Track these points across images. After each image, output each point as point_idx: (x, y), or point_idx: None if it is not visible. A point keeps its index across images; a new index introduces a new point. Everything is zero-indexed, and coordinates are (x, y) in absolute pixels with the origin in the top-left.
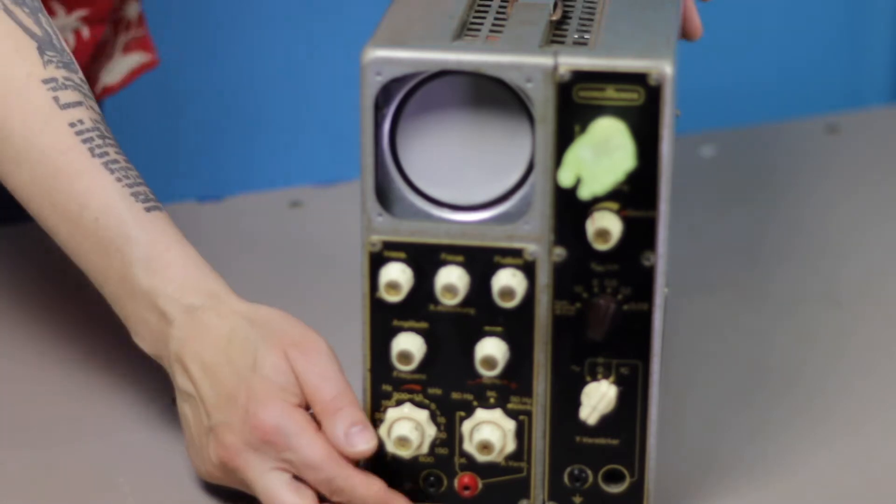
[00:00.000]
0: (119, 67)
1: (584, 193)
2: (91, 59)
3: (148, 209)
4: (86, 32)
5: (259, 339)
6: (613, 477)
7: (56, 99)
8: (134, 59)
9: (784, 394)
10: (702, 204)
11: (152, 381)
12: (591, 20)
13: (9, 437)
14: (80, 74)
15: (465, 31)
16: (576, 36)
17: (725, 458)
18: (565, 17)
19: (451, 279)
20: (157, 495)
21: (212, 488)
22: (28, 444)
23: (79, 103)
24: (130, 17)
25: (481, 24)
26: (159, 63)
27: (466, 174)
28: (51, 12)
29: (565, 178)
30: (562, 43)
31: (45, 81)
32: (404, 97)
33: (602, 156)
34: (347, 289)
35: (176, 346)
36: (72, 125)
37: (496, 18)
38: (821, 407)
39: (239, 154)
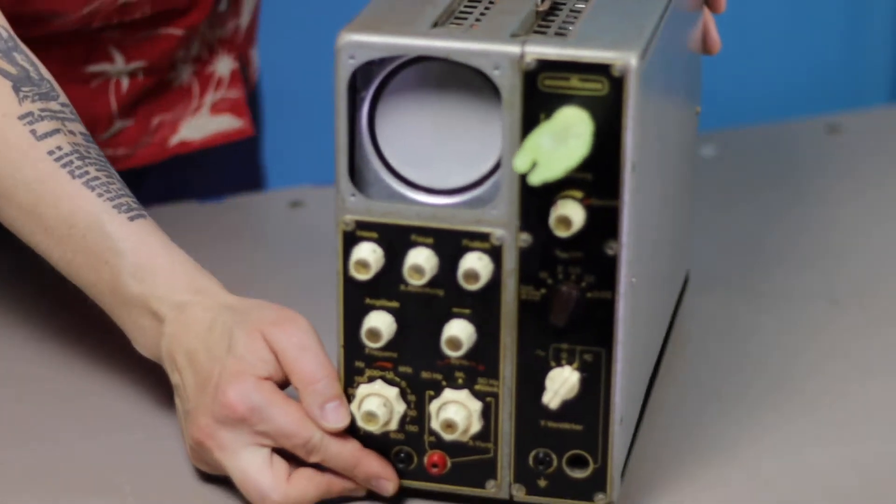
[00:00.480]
0: (204, 126)
1: (534, 179)
2: (154, 100)
3: (132, 218)
4: (141, 76)
5: (236, 324)
6: (577, 462)
7: (33, 132)
8: (223, 122)
9: (783, 393)
10: (702, 204)
11: (153, 381)
12: (580, 11)
13: (9, 437)
14: (62, 99)
15: (451, 19)
16: (565, 27)
17: (721, 456)
18: (555, 8)
19: (419, 260)
20: (157, 495)
21: (212, 488)
22: (28, 444)
23: (56, 131)
24: (221, 74)
25: (470, 12)
26: (254, 134)
27: (443, 159)
28: (108, 59)
29: (521, 164)
30: (543, 33)
31: (22, 117)
32: (383, 81)
33: (559, 143)
34: None
35: (167, 342)
36: (50, 153)
37: (485, 8)
38: (820, 406)
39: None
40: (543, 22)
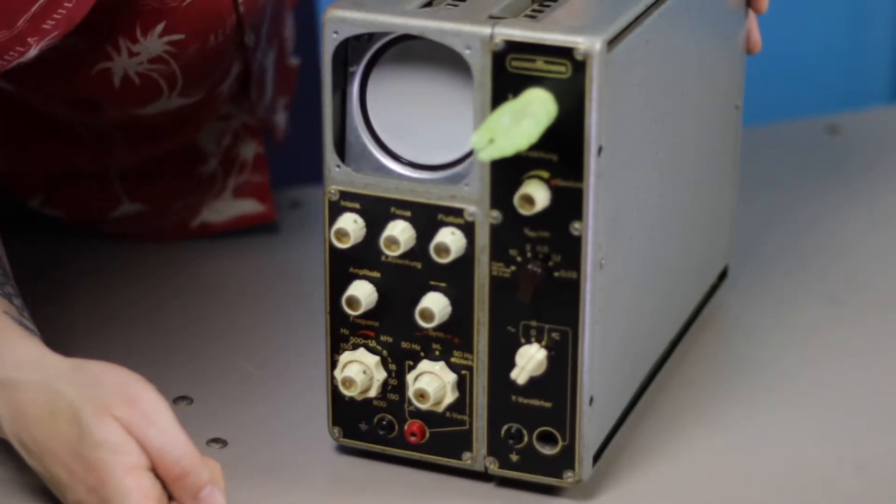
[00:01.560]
0: (227, 210)
1: (484, 155)
2: (178, 187)
3: None
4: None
5: (80, 405)
6: (547, 439)
7: None
8: (246, 206)
9: (782, 393)
10: None
11: (155, 380)
12: None
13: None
14: None
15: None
16: (549, 12)
17: (716, 454)
18: None
19: (394, 232)
20: None
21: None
22: None
23: None
24: (245, 157)
25: None
26: (276, 219)
27: (428, 134)
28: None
29: (477, 140)
30: (533, 17)
31: None
32: (374, 57)
33: (515, 122)
34: None
35: (8, 427)
36: None
37: None
38: (820, 406)
39: None
40: (539, 8)
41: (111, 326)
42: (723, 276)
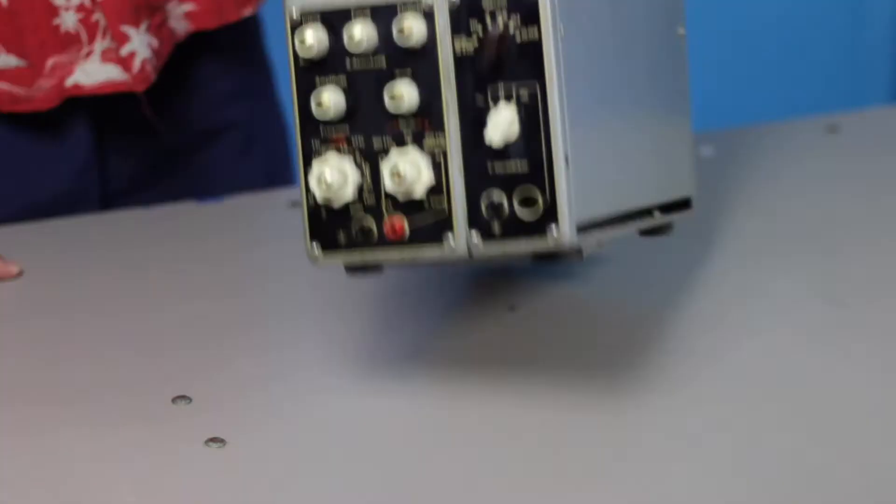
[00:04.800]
0: (95, 73)
1: None
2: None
3: None
4: None
5: None
6: (527, 203)
7: None
8: (111, 72)
9: (782, 394)
10: (701, 204)
11: (153, 379)
12: None
13: (10, 436)
14: None
15: None
16: None
17: (716, 454)
18: None
19: (355, 31)
20: (157, 495)
21: (211, 486)
22: (29, 442)
23: None
24: (103, 24)
25: None
26: (141, 90)
27: None
28: None
29: None
30: None
31: None
32: None
33: None
34: (349, 287)
35: None
36: None
37: None
38: (820, 407)
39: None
40: None
41: (108, 323)
42: (686, 205)
